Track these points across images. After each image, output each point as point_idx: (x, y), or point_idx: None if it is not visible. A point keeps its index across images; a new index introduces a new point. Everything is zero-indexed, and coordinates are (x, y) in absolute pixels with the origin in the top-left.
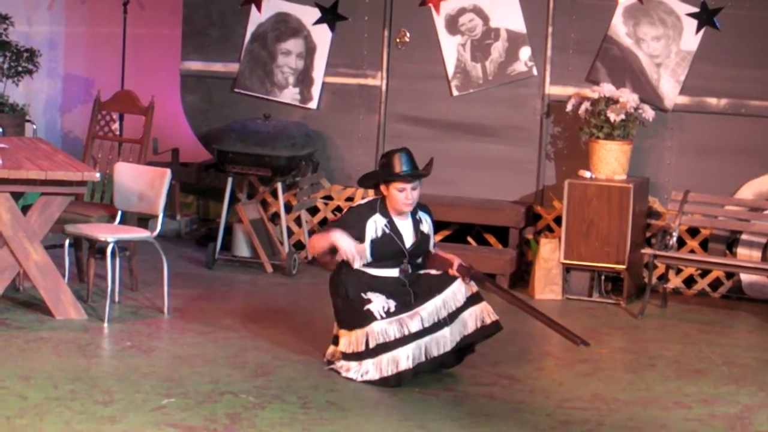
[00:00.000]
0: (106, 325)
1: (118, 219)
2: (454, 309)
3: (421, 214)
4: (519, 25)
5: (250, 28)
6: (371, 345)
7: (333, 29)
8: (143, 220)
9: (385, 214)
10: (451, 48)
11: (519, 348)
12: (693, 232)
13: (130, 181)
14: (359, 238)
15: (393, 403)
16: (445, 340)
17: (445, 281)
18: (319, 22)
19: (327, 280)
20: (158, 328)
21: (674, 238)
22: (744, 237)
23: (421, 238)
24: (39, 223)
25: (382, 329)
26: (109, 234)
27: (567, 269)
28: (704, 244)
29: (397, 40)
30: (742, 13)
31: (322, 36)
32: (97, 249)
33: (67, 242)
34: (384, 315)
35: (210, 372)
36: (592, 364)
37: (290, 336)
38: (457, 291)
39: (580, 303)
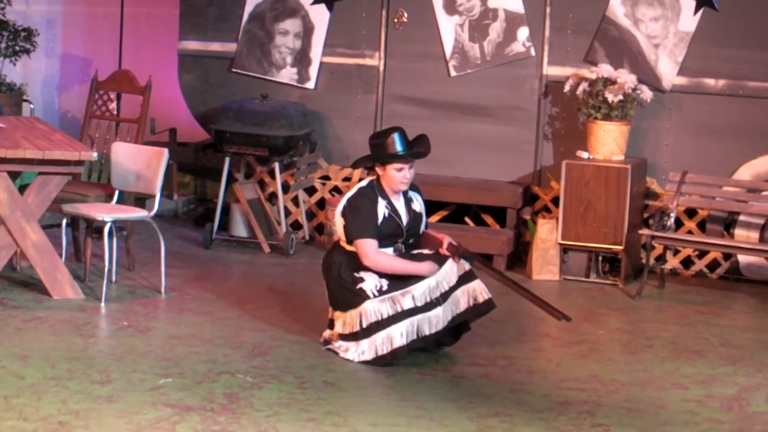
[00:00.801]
0: (103, 304)
1: (115, 198)
2: (446, 289)
3: (411, 193)
4: (517, 6)
5: (248, 8)
6: (365, 324)
7: (331, 9)
8: (140, 200)
9: (384, 195)
10: (449, 28)
11: (516, 328)
12: (691, 212)
13: (128, 160)
14: (376, 221)
15: (390, 383)
16: (437, 319)
17: (437, 262)
18: (317, 2)
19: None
20: (155, 307)
21: (672, 219)
22: (742, 218)
23: (414, 216)
24: (36, 202)
25: (375, 308)
26: (107, 213)
27: (564, 250)
28: (702, 225)
29: (395, 20)
30: None
31: (320, 16)
32: (95, 229)
33: (64, 222)
34: (376, 293)
35: (207, 352)
36: (589, 345)
37: (287, 316)
38: (450, 271)
39: (577, 284)
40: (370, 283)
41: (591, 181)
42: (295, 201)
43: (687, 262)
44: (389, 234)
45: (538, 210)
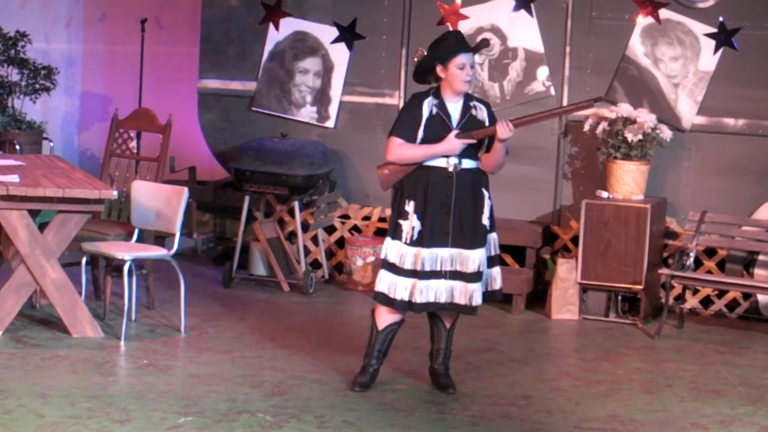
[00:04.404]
0: (122, 343)
1: (135, 237)
2: (460, 270)
3: (477, 103)
4: (537, 45)
5: (268, 47)
6: (384, 257)
7: (351, 48)
8: (160, 239)
9: (438, 96)
10: None
11: (536, 368)
12: (710, 252)
13: (148, 199)
14: (418, 119)
15: (410, 422)
16: (438, 290)
17: (476, 240)
18: (336, 41)
19: (343, 299)
20: (175, 346)
21: (691, 259)
22: (761, 258)
23: (470, 119)
24: (56, 240)
25: (397, 251)
26: (126, 252)
27: (584, 289)
28: (721, 265)
29: (415, 59)
30: (761, 33)
31: (340, 55)
32: (114, 267)
33: (84, 260)
34: (406, 241)
35: (227, 391)
36: (608, 385)
37: (307, 355)
38: (480, 258)
39: (596, 323)
40: (407, 226)
41: (610, 220)
42: (315, 240)
43: (706, 302)
44: (439, 136)
45: (557, 249)
